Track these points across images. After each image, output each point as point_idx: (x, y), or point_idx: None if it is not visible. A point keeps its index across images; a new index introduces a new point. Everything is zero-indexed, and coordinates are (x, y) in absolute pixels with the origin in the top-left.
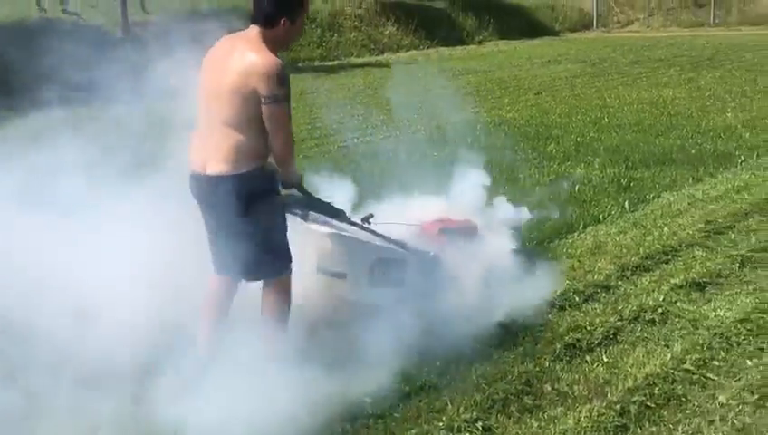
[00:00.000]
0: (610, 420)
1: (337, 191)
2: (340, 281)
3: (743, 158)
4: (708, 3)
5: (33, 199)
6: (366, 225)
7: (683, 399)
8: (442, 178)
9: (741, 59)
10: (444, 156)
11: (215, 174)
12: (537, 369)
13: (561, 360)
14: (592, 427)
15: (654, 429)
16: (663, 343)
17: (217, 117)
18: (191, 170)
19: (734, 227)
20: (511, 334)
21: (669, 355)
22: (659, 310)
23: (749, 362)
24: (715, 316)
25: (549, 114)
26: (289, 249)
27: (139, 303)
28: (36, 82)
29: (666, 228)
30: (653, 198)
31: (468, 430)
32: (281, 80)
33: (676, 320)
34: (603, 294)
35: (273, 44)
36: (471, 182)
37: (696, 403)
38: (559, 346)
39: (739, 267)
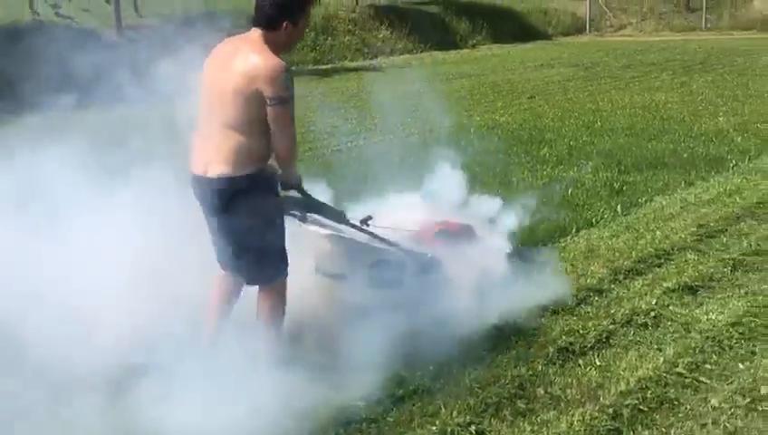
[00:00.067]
0: (603, 424)
1: (330, 194)
2: (339, 282)
3: (734, 162)
4: (700, 7)
5: (30, 202)
6: (365, 227)
7: (675, 402)
8: (433, 182)
9: (733, 63)
10: (437, 159)
11: (215, 176)
12: (530, 373)
13: (554, 364)
14: (585, 431)
15: (647, 432)
16: (655, 346)
17: (219, 118)
18: (192, 172)
19: (726, 230)
20: (504, 338)
21: (662, 359)
22: (652, 313)
23: (741, 366)
24: (708, 320)
25: (542, 118)
26: (285, 254)
27: (139, 303)
28: (30, 84)
29: (658, 232)
30: (645, 201)
31: (461, 434)
32: (286, 81)
33: (669, 323)
34: (596, 298)
35: (275, 47)
36: (461, 185)
37: (688, 407)
38: (552, 350)
39: (731, 271)
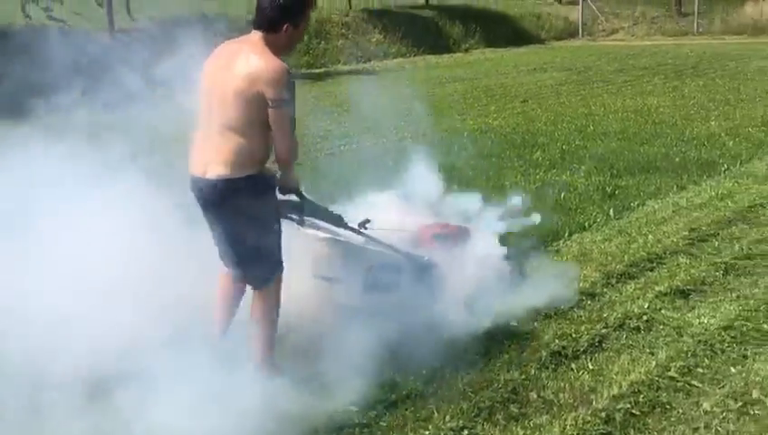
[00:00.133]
0: (596, 428)
1: (324, 197)
2: (336, 286)
3: (726, 166)
4: (692, 12)
5: (29, 206)
6: (362, 230)
7: (668, 406)
8: (425, 184)
9: (724, 67)
10: (429, 163)
11: (214, 177)
12: (523, 377)
13: (547, 368)
14: None
15: None
16: (648, 350)
17: (219, 120)
18: (191, 173)
19: (718, 234)
20: (497, 342)
21: (654, 363)
22: (644, 317)
23: (733, 370)
24: (700, 323)
25: (535, 122)
26: (281, 257)
27: (133, 305)
28: (22, 87)
29: (650, 236)
30: (638, 205)
31: None
32: (287, 84)
33: (661, 327)
34: (588, 302)
35: (276, 49)
36: (453, 188)
37: (680, 410)
38: (545, 354)
39: (723, 275)
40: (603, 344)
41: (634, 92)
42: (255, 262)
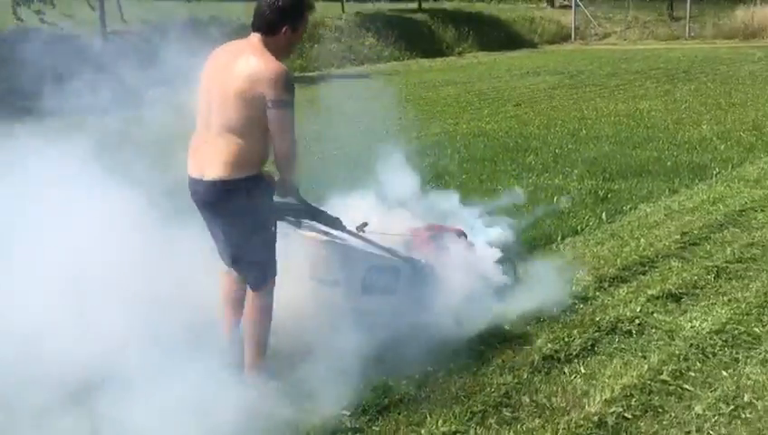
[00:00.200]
0: (588, 432)
1: (318, 201)
2: (333, 288)
3: (717, 169)
4: (684, 16)
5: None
6: (360, 233)
7: (660, 410)
8: (419, 188)
9: (716, 71)
10: (422, 167)
11: (212, 178)
12: (515, 381)
13: (540, 372)
14: None
15: None
16: (640, 354)
17: (218, 121)
18: (190, 174)
19: (710, 238)
20: (489, 346)
21: (646, 366)
22: (636, 321)
23: (724, 373)
24: (691, 327)
25: (528, 126)
26: (274, 259)
27: (127, 306)
28: (13, 91)
29: (642, 240)
30: (630, 209)
31: None
32: (287, 85)
33: (653, 331)
34: (581, 306)
35: (275, 51)
36: (447, 194)
37: (672, 414)
38: (537, 358)
39: (714, 278)
40: (596, 348)
41: (626, 96)
42: (251, 263)
